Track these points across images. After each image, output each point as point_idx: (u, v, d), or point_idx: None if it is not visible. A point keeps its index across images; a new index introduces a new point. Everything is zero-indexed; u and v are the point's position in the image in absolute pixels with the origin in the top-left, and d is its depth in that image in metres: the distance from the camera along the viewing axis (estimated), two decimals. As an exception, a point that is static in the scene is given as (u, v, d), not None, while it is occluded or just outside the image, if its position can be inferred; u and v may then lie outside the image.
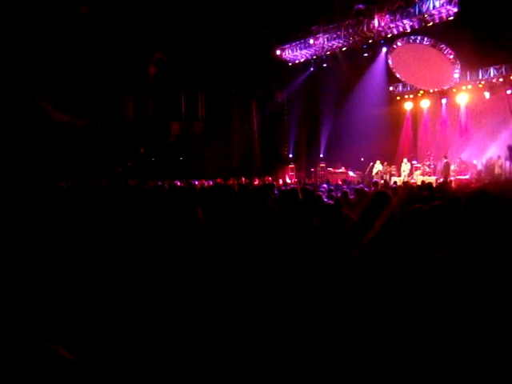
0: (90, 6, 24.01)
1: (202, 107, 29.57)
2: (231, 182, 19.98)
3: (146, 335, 3.04)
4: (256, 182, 20.32)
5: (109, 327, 3.09)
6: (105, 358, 2.71)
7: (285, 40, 26.39)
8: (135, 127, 28.73)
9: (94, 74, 26.25)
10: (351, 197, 8.39)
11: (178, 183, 17.18)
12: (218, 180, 20.91)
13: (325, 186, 13.59)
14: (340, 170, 24.96)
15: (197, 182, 18.53)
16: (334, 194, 9.70)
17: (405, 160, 23.76)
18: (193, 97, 29.51)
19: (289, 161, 28.57)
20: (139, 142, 28.18)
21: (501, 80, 21.89)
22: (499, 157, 20.49)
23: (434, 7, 19.78)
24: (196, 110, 29.62)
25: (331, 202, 7.52)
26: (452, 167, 22.06)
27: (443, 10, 19.75)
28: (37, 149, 24.18)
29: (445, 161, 22.05)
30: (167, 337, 3.03)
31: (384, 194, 3.61)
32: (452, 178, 20.73)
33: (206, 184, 17.36)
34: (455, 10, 19.41)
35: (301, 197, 6.75)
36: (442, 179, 19.99)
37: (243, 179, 21.79)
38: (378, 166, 24.13)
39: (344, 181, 20.14)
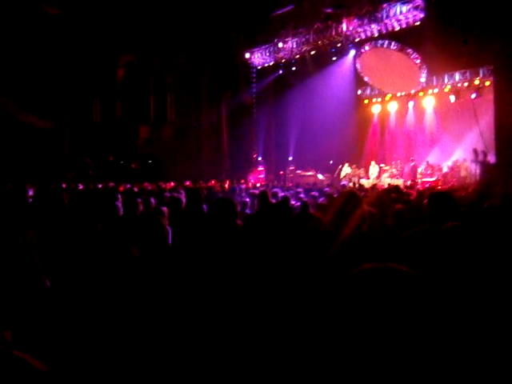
0: (59, 6, 23.66)
1: (171, 110, 29.44)
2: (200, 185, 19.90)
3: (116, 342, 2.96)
4: (226, 185, 20.29)
5: (79, 331, 3.01)
6: (79, 366, 2.58)
7: (254, 43, 26.44)
8: (103, 130, 28.43)
9: (61, 75, 25.88)
10: (320, 199, 8.43)
11: (149, 187, 17.07)
12: (187, 183, 20.79)
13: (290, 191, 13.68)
14: (309, 173, 25.03)
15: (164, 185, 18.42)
16: (302, 196, 9.75)
17: (372, 163, 24.01)
18: (162, 100, 29.36)
19: (258, 163, 28.57)
20: (107, 145, 27.87)
21: (466, 84, 22.30)
22: (465, 159, 20.86)
23: (400, 12, 20.10)
24: (165, 113, 29.47)
25: (298, 203, 7.57)
26: (419, 170, 22.37)
27: (410, 16, 20.08)
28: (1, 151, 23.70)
29: (412, 164, 22.37)
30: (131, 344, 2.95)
31: (354, 194, 3.64)
32: (419, 181, 21.05)
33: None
34: (421, 15, 19.74)
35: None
36: (409, 182, 20.29)
37: (213, 182, 21.75)
38: (346, 169, 24.33)
39: (313, 184, 20.29)
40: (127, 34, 25.63)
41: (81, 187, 17.36)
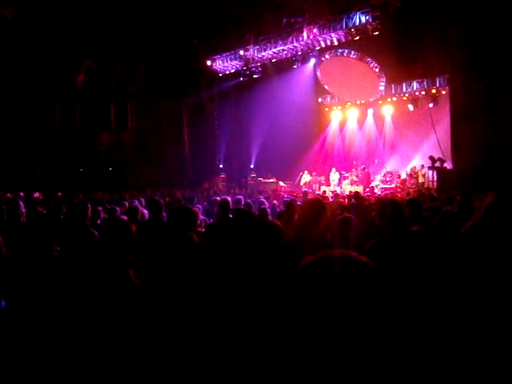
0: (16, 9, 23.11)
1: (131, 117, 29.14)
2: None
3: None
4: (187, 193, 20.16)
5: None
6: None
7: (215, 50, 26.40)
8: (63, 136, 27.91)
9: (19, 80, 25.34)
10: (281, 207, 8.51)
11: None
12: (148, 191, 20.58)
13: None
14: (271, 180, 25.12)
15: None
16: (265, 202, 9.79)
17: (333, 170, 24.26)
18: (122, 106, 29.04)
19: (219, 171, 28.48)
20: (67, 151, 27.34)
21: (423, 93, 22.78)
22: (423, 166, 21.27)
23: (360, 22, 20.36)
24: (126, 119, 29.16)
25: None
26: (378, 177, 22.75)
27: (369, 26, 20.36)
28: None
29: (365, 171, 22.69)
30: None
31: (320, 202, 3.68)
32: (375, 187, 21.36)
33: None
34: (380, 25, 20.06)
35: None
36: (367, 189, 20.62)
37: (174, 190, 21.57)
38: (306, 177, 24.52)
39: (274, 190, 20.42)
40: (88, 39, 25.30)
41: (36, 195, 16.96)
